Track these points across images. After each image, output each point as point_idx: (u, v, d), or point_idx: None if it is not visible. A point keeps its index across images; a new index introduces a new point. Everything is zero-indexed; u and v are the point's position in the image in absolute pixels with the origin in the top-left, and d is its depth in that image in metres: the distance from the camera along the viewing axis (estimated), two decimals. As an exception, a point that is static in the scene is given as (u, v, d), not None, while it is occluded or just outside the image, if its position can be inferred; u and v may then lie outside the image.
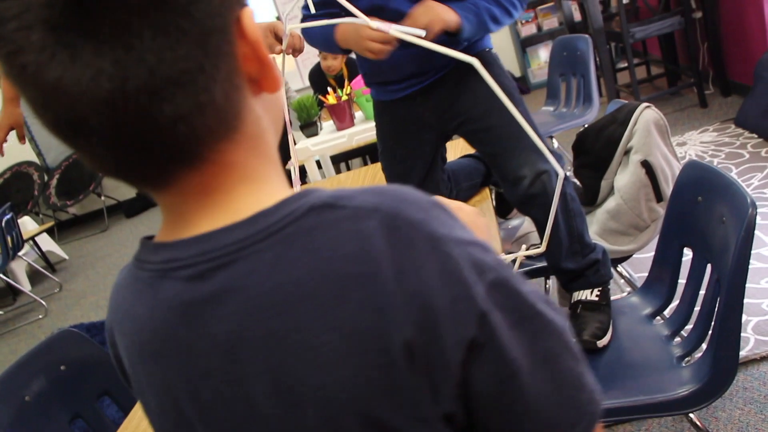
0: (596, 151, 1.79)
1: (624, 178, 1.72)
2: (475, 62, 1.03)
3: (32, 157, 6.67)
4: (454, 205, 0.63)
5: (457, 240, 0.43)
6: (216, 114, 0.42)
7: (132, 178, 0.44)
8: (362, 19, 1.02)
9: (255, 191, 0.46)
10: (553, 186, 1.38)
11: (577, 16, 4.78)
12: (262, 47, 0.44)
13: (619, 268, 1.77)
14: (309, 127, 2.70)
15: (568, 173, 1.45)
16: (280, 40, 1.32)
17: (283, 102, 1.24)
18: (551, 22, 5.87)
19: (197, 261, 0.44)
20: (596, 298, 1.41)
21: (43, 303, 4.44)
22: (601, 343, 1.32)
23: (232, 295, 0.43)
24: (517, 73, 6.18)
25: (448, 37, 1.34)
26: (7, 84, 1.80)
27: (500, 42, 6.10)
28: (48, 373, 1.43)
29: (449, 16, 1.29)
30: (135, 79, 0.38)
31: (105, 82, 0.37)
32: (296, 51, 1.38)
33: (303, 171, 2.77)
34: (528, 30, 5.92)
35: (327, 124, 2.87)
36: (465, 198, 1.75)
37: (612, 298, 1.46)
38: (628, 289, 1.92)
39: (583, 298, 1.42)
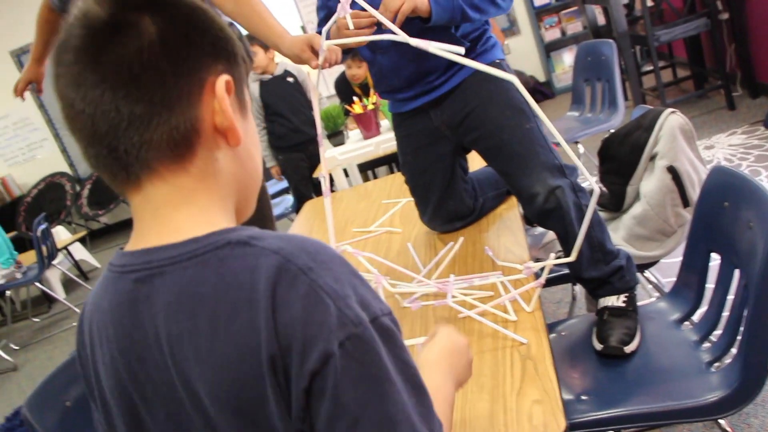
0: (621, 157, 1.79)
1: (650, 183, 1.72)
2: (514, 80, 1.05)
3: (65, 168, 6.85)
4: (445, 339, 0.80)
5: (334, 291, 0.52)
6: (169, 146, 0.56)
7: (110, 182, 0.60)
8: (402, 36, 1.05)
9: (195, 215, 0.59)
10: (567, 200, 1.39)
11: (601, 20, 4.77)
12: (228, 109, 0.58)
13: (647, 273, 1.77)
14: (336, 137, 2.74)
15: (581, 182, 1.45)
16: (316, 54, 1.35)
17: (317, 114, 1.28)
18: (575, 27, 5.85)
19: (142, 268, 0.57)
20: (623, 304, 1.41)
21: (77, 311, 4.55)
22: (628, 348, 1.33)
23: (159, 297, 0.55)
24: (542, 78, 6.16)
25: (422, 22, 1.33)
26: (36, 46, 1.87)
27: (524, 46, 6.09)
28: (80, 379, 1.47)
29: (421, 1, 1.28)
30: (104, 115, 0.54)
31: (89, 109, 0.55)
32: (332, 64, 1.41)
33: (330, 180, 2.81)
34: (552, 35, 5.91)
35: (353, 133, 2.90)
36: (491, 207, 1.77)
37: (639, 303, 1.46)
38: (656, 294, 1.92)
39: (610, 304, 1.42)
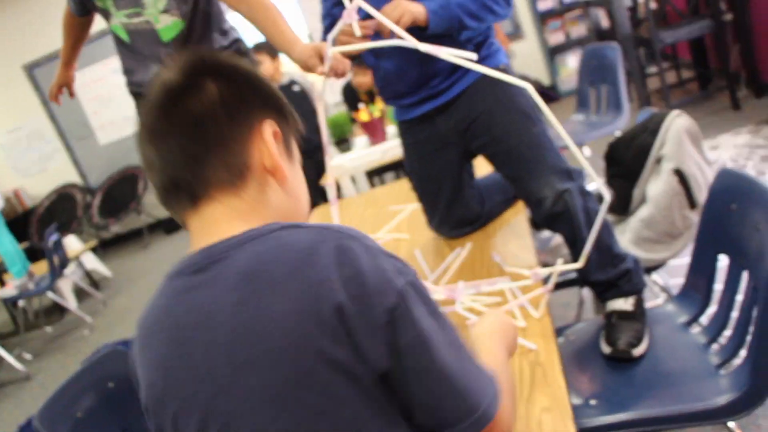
0: (628, 161, 1.80)
1: (656, 186, 1.73)
2: (528, 87, 1.06)
3: (76, 178, 6.91)
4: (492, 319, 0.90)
5: (383, 251, 0.64)
6: (224, 179, 0.68)
7: (174, 211, 0.71)
8: (411, 41, 1.06)
9: (246, 226, 0.67)
10: (575, 203, 1.40)
11: (606, 23, 4.77)
12: (274, 152, 0.70)
13: (654, 275, 1.78)
14: (343, 144, 2.76)
15: (588, 186, 1.46)
16: (323, 62, 1.36)
17: (322, 121, 1.29)
18: (579, 30, 5.86)
19: (202, 260, 0.65)
20: (631, 308, 1.42)
21: (89, 320, 4.58)
22: (636, 352, 1.33)
23: (218, 278, 0.63)
24: (546, 81, 6.17)
25: (420, 31, 1.35)
26: (63, 50, 1.90)
27: (528, 50, 6.11)
28: (97, 391, 1.48)
29: (417, 9, 1.31)
30: (173, 156, 0.68)
31: (161, 153, 0.68)
32: (339, 74, 1.42)
33: (337, 187, 2.82)
34: (556, 38, 5.92)
35: (360, 140, 2.92)
36: (498, 212, 1.78)
37: (648, 305, 1.46)
38: (663, 296, 1.92)
39: (618, 307, 1.43)
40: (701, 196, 1.69)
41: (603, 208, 1.01)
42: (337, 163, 2.68)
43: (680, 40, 3.83)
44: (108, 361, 1.55)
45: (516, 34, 6.09)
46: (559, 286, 1.72)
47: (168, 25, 1.65)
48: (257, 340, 0.60)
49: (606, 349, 1.36)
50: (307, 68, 1.40)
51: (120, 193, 6.69)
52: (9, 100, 6.56)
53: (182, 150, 0.67)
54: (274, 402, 0.60)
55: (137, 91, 1.84)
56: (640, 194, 1.79)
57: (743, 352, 1.21)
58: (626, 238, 1.79)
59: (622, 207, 1.83)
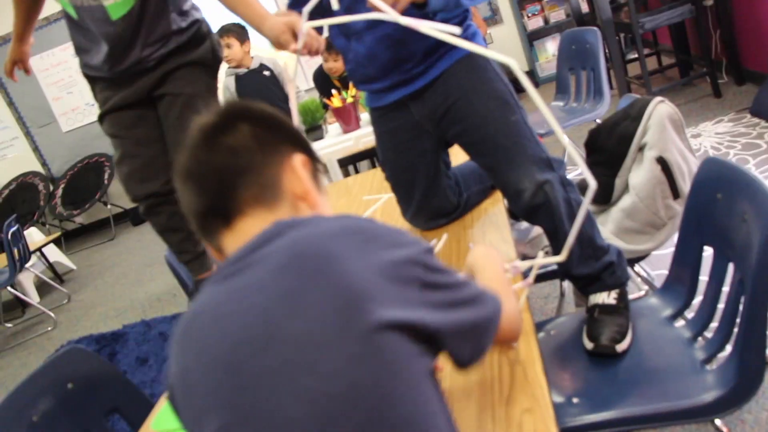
0: (609, 149, 1.74)
1: (639, 175, 1.66)
2: (512, 63, 0.97)
3: (37, 167, 6.68)
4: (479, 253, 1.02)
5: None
6: (258, 199, 0.75)
7: (208, 235, 0.78)
8: (391, 14, 0.98)
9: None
10: (556, 195, 1.33)
11: (585, 8, 4.72)
12: (304, 179, 0.78)
13: (637, 267, 1.72)
14: (314, 131, 2.66)
15: (570, 175, 1.39)
16: (296, 38, 1.27)
17: (293, 105, 1.20)
18: (558, 15, 5.80)
19: (239, 254, 0.69)
20: (614, 301, 1.35)
21: (52, 315, 4.43)
22: (620, 347, 1.27)
23: (258, 261, 0.66)
24: (525, 67, 6.12)
25: (417, 10, 1.26)
26: (16, 24, 1.78)
27: (506, 36, 6.04)
28: (55, 392, 1.40)
29: None
30: (210, 182, 0.76)
31: (197, 189, 0.77)
32: (313, 53, 1.33)
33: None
34: (535, 23, 5.85)
35: (332, 127, 2.82)
36: (475, 202, 1.70)
37: (631, 297, 1.41)
38: (646, 288, 1.87)
39: (600, 301, 1.36)
40: (685, 185, 1.63)
41: (587, 198, 0.94)
42: (309, 151, 2.58)
43: (661, 25, 3.78)
44: (67, 360, 1.46)
45: (493, 19, 6.01)
46: (539, 278, 1.65)
47: (117, 1, 1.53)
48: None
49: (588, 344, 1.30)
50: (279, 45, 1.30)
51: (84, 182, 6.48)
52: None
53: (218, 177, 0.75)
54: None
55: (90, 75, 1.72)
56: (622, 183, 1.72)
57: (729, 347, 1.16)
58: (608, 228, 1.72)
59: (604, 196, 1.77)
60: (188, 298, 1.99)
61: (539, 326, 1.45)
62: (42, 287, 5.12)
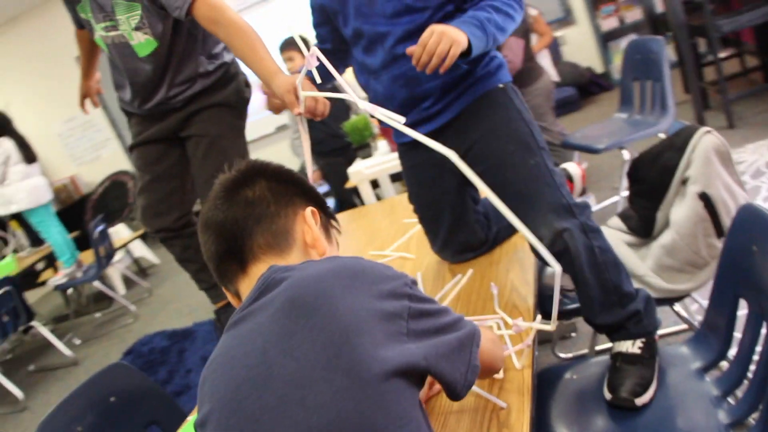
0: (651, 180, 1.66)
1: (680, 211, 1.58)
2: (451, 155, 1.01)
3: (127, 166, 7.10)
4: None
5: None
6: (271, 245, 0.84)
7: (226, 280, 0.87)
8: (354, 98, 1.04)
9: None
10: (576, 243, 1.28)
11: (661, 8, 4.47)
12: (315, 228, 0.88)
13: (676, 306, 1.64)
14: (363, 149, 2.68)
15: (590, 221, 1.34)
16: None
17: (308, 160, 1.25)
18: (634, 15, 5.53)
19: (246, 301, 0.77)
20: (638, 351, 1.30)
21: (133, 309, 4.71)
22: (640, 401, 1.22)
23: (262, 306, 0.74)
24: (599, 69, 5.88)
25: (461, 59, 1.24)
26: (81, 63, 1.90)
27: (580, 37, 5.83)
28: (99, 405, 1.50)
29: (461, 38, 1.17)
30: (228, 231, 0.85)
31: (215, 234, 0.86)
32: (317, 115, 1.36)
33: (356, 193, 2.76)
34: (609, 23, 5.61)
35: (382, 144, 2.84)
36: (506, 236, 1.67)
37: (668, 331, 1.34)
38: (682, 326, 1.78)
39: (624, 350, 1.31)
40: (730, 223, 1.54)
41: (557, 282, 0.93)
42: (356, 170, 2.61)
43: (741, 27, 3.53)
44: (111, 375, 1.57)
45: (567, 19, 5.81)
46: (563, 315, 1.62)
47: (141, 42, 1.61)
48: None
49: (607, 395, 1.26)
50: (285, 104, 1.33)
51: (112, 199, 6.79)
52: (65, 92, 6.75)
53: (235, 225, 0.83)
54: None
55: (125, 109, 1.82)
56: (664, 217, 1.64)
57: (757, 414, 1.09)
58: (647, 264, 1.65)
59: (644, 230, 1.69)
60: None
61: (558, 371, 1.41)
62: (129, 281, 5.44)
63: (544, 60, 3.92)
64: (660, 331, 1.39)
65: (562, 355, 2.27)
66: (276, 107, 1.48)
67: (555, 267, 0.90)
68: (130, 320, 4.59)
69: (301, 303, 0.70)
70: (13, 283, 3.83)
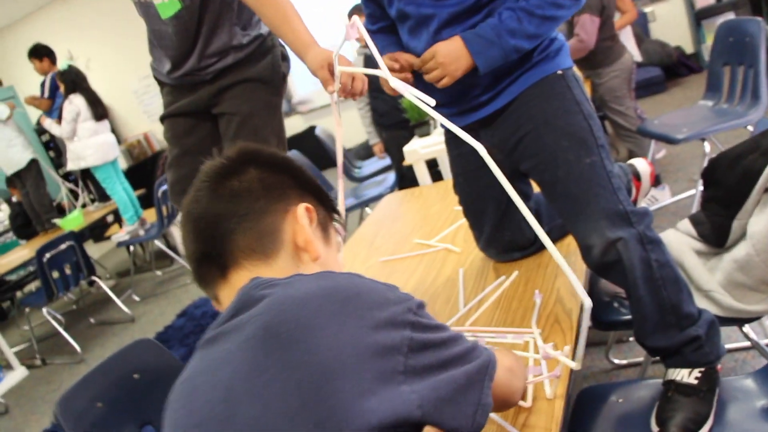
0: (729, 185, 1.47)
1: (760, 222, 1.39)
2: (480, 149, 0.93)
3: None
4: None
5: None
6: (254, 245, 0.72)
7: (207, 286, 0.76)
8: (387, 75, 0.93)
9: None
10: (631, 254, 1.14)
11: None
12: (307, 229, 0.76)
13: (746, 328, 1.46)
14: (420, 127, 2.56)
15: (649, 231, 1.18)
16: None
17: (339, 149, 1.16)
18: (734, -10, 5.08)
19: (222, 317, 0.66)
20: (694, 381, 1.15)
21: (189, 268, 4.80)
22: None
23: (235, 328, 0.63)
24: (689, 49, 5.46)
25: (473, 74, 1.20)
26: None
27: (671, 13, 5.42)
28: (121, 381, 1.48)
29: (456, 71, 1.19)
30: (211, 225, 0.74)
31: (195, 232, 0.75)
32: (353, 94, 1.26)
33: (411, 173, 2.64)
34: (704, 0, 5.17)
35: (441, 122, 2.71)
36: (559, 236, 1.53)
37: (735, 346, 1.18)
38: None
39: (678, 378, 1.16)
40: (820, 240, 1.34)
41: (585, 317, 0.80)
42: (411, 149, 2.49)
43: None
44: (136, 351, 1.54)
45: (657, -6, 5.41)
46: (608, 326, 1.48)
47: (165, 1, 1.51)
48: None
49: (654, 428, 1.13)
50: (318, 78, 1.23)
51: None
52: (142, 49, 6.89)
53: (216, 221, 0.73)
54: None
55: (157, 78, 1.74)
56: (741, 227, 1.45)
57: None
58: (716, 278, 1.47)
59: (717, 239, 1.51)
60: None
61: (606, 390, 1.28)
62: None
63: (627, 38, 3.63)
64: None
65: (617, 361, 2.12)
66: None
67: (585, 301, 0.77)
68: (188, 280, 4.68)
69: (276, 332, 0.59)
70: (77, 238, 3.95)
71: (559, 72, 1.24)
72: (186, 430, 0.61)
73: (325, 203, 0.83)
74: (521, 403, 0.98)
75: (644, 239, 1.15)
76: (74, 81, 4.46)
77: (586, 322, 0.83)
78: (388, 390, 0.58)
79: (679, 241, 1.59)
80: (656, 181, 3.11)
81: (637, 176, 1.57)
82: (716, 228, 1.51)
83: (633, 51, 3.44)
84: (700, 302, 1.48)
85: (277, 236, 0.74)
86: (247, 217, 0.73)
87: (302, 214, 0.76)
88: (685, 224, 1.64)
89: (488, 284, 1.44)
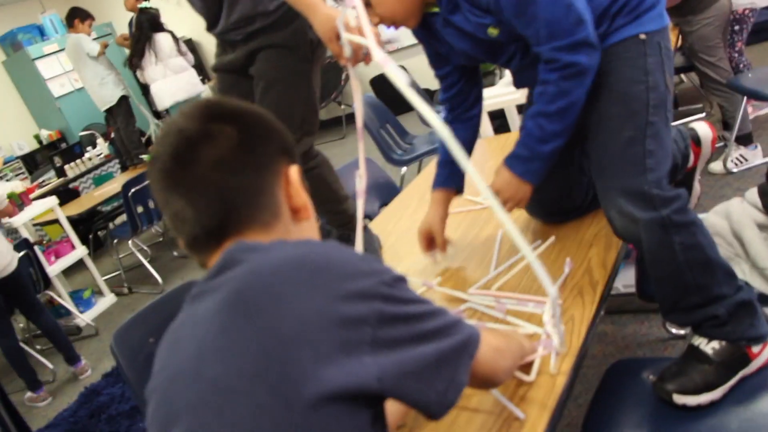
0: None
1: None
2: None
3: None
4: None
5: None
6: (260, 217, 0.71)
7: (199, 254, 0.74)
8: (372, 46, 0.93)
9: None
10: (649, 237, 1.09)
11: None
12: (302, 191, 0.75)
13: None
14: (487, 76, 2.47)
15: (677, 215, 1.10)
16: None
17: (357, 106, 1.15)
18: None
19: (207, 277, 0.69)
20: (710, 351, 1.09)
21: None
22: (680, 400, 1.05)
23: (217, 287, 0.66)
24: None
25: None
26: None
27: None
28: (172, 318, 1.59)
29: (521, 189, 1.24)
30: (197, 205, 0.70)
31: (186, 203, 0.70)
32: (357, 61, 1.23)
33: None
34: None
35: (508, 73, 2.60)
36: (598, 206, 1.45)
37: None
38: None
39: (696, 344, 1.11)
40: None
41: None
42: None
43: None
44: (186, 291, 1.64)
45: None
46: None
47: None
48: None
49: (650, 377, 1.13)
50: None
51: (325, 81, 6.91)
52: None
53: (220, 198, 0.70)
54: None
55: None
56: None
57: None
58: (775, 255, 1.36)
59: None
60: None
61: (638, 365, 1.24)
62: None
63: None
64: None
65: (674, 331, 2.03)
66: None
67: (550, 290, 0.74)
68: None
69: (245, 299, 0.61)
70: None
71: (642, 36, 1.14)
72: (165, 380, 0.67)
73: (293, 152, 0.79)
74: (524, 377, 0.97)
75: (668, 223, 1.08)
76: (156, 21, 4.61)
77: (557, 309, 0.79)
78: (349, 360, 0.59)
79: (742, 212, 1.49)
80: (748, 140, 2.87)
81: (697, 141, 1.46)
82: (782, 200, 1.39)
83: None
84: (754, 280, 1.39)
85: (276, 205, 0.73)
86: (246, 191, 0.71)
87: (295, 177, 0.75)
88: (753, 194, 1.52)
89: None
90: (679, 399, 1.05)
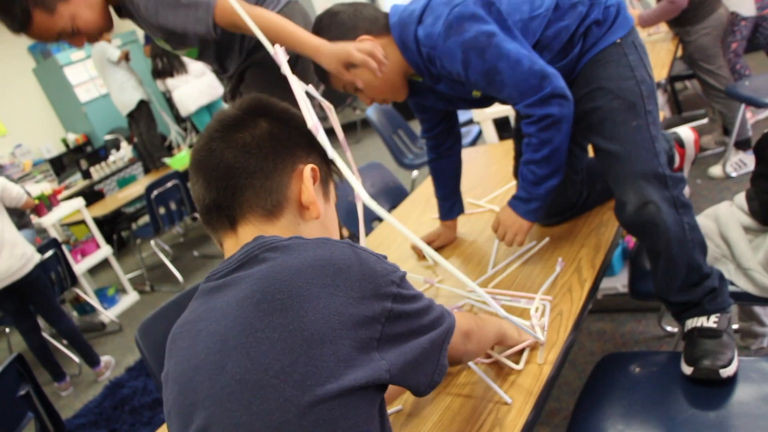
0: (780, 161, 1.42)
1: (807, 203, 1.35)
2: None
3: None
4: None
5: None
6: (262, 204, 0.78)
7: (214, 231, 0.82)
8: (289, 74, 0.97)
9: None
10: (663, 216, 1.18)
11: None
12: (311, 189, 0.81)
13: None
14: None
15: (682, 196, 1.22)
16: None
17: (335, 126, 1.24)
18: None
19: (223, 267, 0.75)
20: (714, 324, 1.21)
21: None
22: (726, 372, 1.15)
23: (236, 282, 0.71)
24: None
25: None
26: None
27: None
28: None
29: (521, 224, 1.36)
30: (219, 178, 0.79)
31: (206, 181, 0.80)
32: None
33: (479, 134, 2.65)
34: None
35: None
36: (596, 203, 1.55)
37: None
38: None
39: (699, 324, 1.22)
40: None
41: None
42: (479, 109, 2.51)
43: None
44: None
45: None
46: (652, 295, 1.50)
47: (185, 51, 1.70)
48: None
49: (687, 369, 1.20)
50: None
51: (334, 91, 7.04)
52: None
53: (227, 174, 0.77)
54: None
55: None
56: (789, 207, 1.41)
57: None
58: (758, 257, 1.44)
59: (765, 216, 1.47)
60: None
61: (625, 359, 1.33)
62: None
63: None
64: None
65: (669, 328, 2.12)
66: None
67: (493, 305, 0.83)
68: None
69: (272, 298, 0.66)
70: (182, 177, 4.30)
71: (617, 41, 1.27)
72: (187, 370, 0.71)
73: (328, 160, 0.88)
74: (513, 365, 1.07)
75: (677, 203, 1.21)
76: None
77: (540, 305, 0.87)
78: (363, 357, 0.66)
79: (729, 215, 1.57)
80: (747, 145, 2.93)
81: (680, 143, 1.56)
82: (764, 205, 1.47)
83: (747, 3, 3.10)
84: (738, 279, 1.48)
85: (282, 195, 0.79)
86: (255, 174, 0.77)
87: (308, 175, 0.81)
88: (741, 198, 1.60)
89: (520, 248, 1.50)
90: (725, 372, 1.15)
